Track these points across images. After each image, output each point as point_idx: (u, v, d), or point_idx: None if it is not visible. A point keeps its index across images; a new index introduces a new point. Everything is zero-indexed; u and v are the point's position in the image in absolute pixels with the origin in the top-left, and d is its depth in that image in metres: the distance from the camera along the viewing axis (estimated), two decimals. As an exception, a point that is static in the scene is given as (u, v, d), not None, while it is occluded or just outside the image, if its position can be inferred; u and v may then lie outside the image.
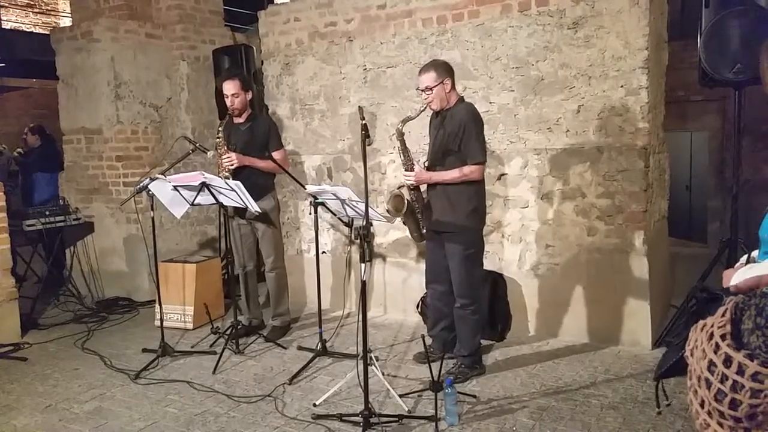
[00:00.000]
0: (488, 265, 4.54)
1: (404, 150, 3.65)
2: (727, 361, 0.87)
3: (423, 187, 3.72)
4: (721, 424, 0.89)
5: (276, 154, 4.42)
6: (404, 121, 3.61)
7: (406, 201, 3.64)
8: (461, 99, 3.65)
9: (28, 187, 6.76)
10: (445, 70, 3.56)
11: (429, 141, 3.80)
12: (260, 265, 4.88)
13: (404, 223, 3.84)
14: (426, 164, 3.68)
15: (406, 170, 3.66)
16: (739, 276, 2.11)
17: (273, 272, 4.63)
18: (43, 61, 6.60)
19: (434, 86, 3.51)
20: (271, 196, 4.54)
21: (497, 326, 4.33)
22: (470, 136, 3.48)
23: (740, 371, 0.85)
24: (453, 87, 3.59)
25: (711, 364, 0.89)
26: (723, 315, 0.92)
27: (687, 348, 0.95)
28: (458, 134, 3.49)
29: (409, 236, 4.05)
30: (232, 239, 4.54)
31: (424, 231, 3.76)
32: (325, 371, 3.94)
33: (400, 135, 3.63)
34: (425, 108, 3.62)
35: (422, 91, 3.56)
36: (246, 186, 3.99)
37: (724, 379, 0.86)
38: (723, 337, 0.89)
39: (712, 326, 0.92)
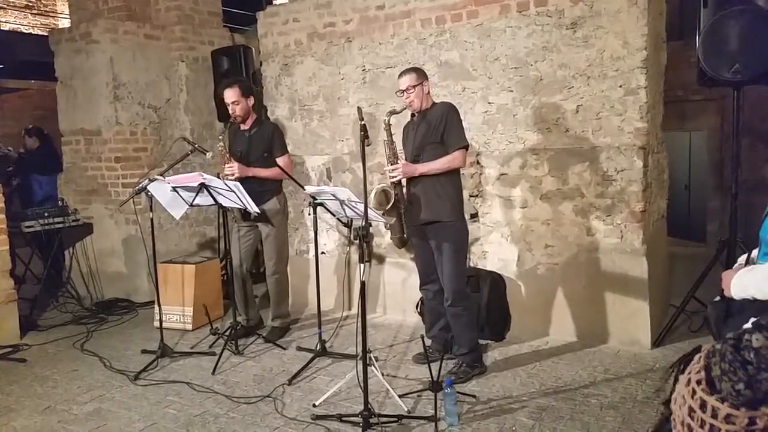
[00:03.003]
0: (488, 265, 4.55)
1: (390, 143, 3.68)
2: (703, 406, 0.91)
3: (404, 183, 3.73)
4: None
5: (280, 160, 4.42)
6: (390, 113, 3.68)
7: (393, 195, 3.64)
8: (434, 102, 3.76)
9: (26, 188, 6.73)
10: (423, 74, 3.70)
11: (404, 144, 3.84)
12: (259, 267, 4.87)
13: (386, 226, 3.81)
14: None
15: (390, 164, 3.66)
16: (738, 278, 2.11)
17: (274, 276, 4.62)
18: (42, 63, 6.59)
19: (415, 85, 3.61)
20: (276, 200, 4.53)
21: (497, 326, 4.33)
22: (451, 124, 3.57)
23: (714, 415, 0.89)
24: (429, 91, 3.72)
25: (690, 410, 0.93)
26: (698, 362, 0.97)
27: (672, 396, 1.00)
28: (440, 125, 3.57)
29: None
30: (232, 240, 4.54)
31: (405, 236, 3.76)
32: (325, 372, 3.94)
33: (388, 126, 3.66)
34: (406, 108, 3.71)
35: (404, 91, 3.64)
36: (250, 189, 3.99)
37: (702, 424, 0.90)
38: (698, 383, 0.94)
39: (689, 373, 0.96)
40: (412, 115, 3.78)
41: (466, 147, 3.61)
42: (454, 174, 3.65)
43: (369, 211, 3.23)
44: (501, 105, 4.40)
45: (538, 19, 4.19)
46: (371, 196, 3.66)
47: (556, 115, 4.21)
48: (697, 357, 0.97)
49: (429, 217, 3.64)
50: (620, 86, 3.97)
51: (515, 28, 4.28)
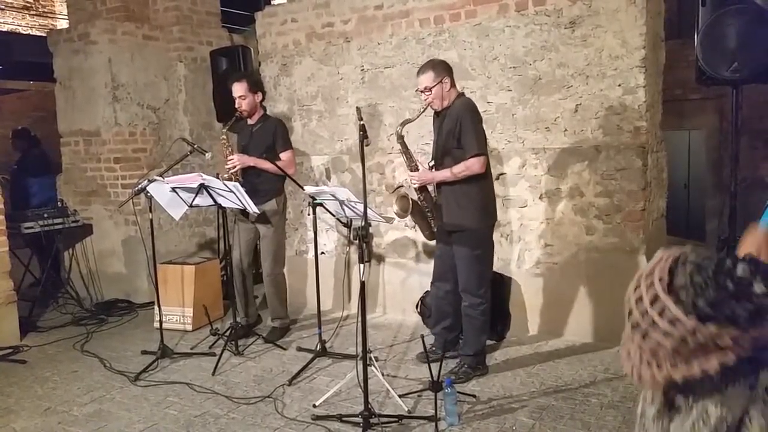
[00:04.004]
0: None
1: (406, 152, 3.67)
2: (654, 301, 0.97)
3: (431, 187, 3.73)
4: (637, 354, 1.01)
5: (284, 155, 4.44)
6: (403, 124, 3.64)
7: (411, 201, 3.65)
8: (460, 95, 3.65)
9: (18, 191, 6.69)
10: (443, 68, 3.56)
11: (433, 141, 3.81)
12: (258, 267, 4.86)
13: (415, 222, 3.85)
14: (431, 164, 3.69)
15: (410, 171, 3.67)
16: None
17: (269, 277, 4.60)
18: (41, 64, 6.57)
19: (433, 86, 3.51)
20: (276, 201, 4.53)
21: (497, 326, 4.33)
22: (467, 129, 3.46)
23: (661, 312, 0.97)
24: (452, 85, 3.59)
25: (639, 299, 0.99)
26: (664, 261, 1.03)
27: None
28: (455, 130, 3.49)
29: (410, 237, 4.04)
30: (233, 234, 4.53)
31: (434, 228, 3.76)
32: (325, 372, 3.94)
33: (400, 137, 3.64)
34: (425, 109, 3.63)
35: (421, 91, 3.56)
36: (249, 188, 3.99)
37: (644, 314, 0.98)
38: (660, 279, 0.99)
39: (653, 266, 1.02)
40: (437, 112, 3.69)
41: (482, 153, 3.48)
42: (479, 180, 3.54)
43: (369, 211, 3.23)
44: (500, 104, 4.40)
45: (536, 18, 4.19)
46: (393, 206, 3.70)
47: (554, 115, 4.21)
48: (662, 256, 1.03)
49: (451, 225, 3.63)
50: (619, 85, 3.97)
51: (514, 27, 4.28)
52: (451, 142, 3.52)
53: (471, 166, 3.46)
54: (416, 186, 3.65)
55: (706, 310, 0.94)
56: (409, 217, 3.76)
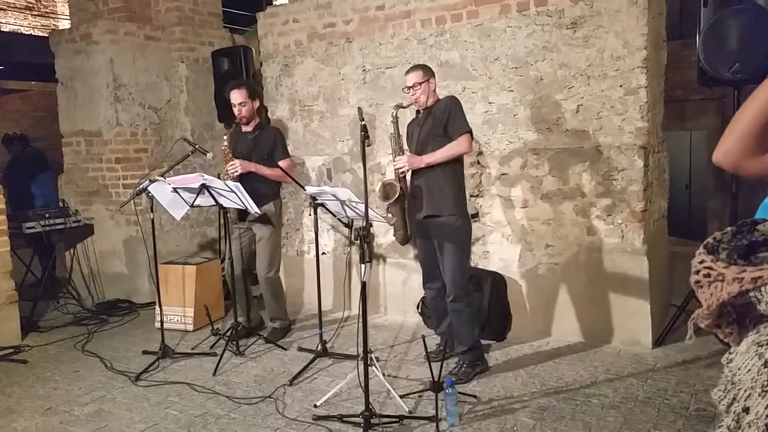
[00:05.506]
0: (488, 264, 4.55)
1: (397, 136, 3.71)
2: (701, 263, 1.25)
3: (408, 179, 3.76)
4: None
5: (282, 163, 4.44)
6: (397, 107, 3.72)
7: (399, 188, 3.65)
8: (439, 98, 3.78)
9: (17, 193, 6.66)
10: (429, 70, 3.73)
11: (409, 142, 3.86)
12: (253, 269, 4.85)
13: (390, 223, 3.83)
14: None
15: (396, 156, 3.69)
16: None
17: (265, 280, 4.58)
18: (42, 64, 6.59)
19: (422, 82, 3.64)
20: (273, 204, 4.53)
21: (498, 326, 4.33)
22: (454, 114, 3.60)
23: (707, 269, 1.23)
24: (435, 88, 3.75)
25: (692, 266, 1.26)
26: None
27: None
28: (443, 117, 3.61)
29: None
30: (230, 239, 4.54)
31: (409, 232, 3.77)
32: (326, 372, 3.94)
33: (395, 119, 3.71)
34: (412, 104, 3.73)
35: (410, 88, 3.68)
36: (249, 191, 4.00)
37: (697, 271, 1.25)
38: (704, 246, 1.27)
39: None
40: (417, 112, 3.80)
41: (470, 132, 3.61)
42: (457, 167, 3.66)
43: (370, 211, 3.23)
44: (501, 105, 4.40)
45: (538, 18, 4.19)
46: (376, 189, 3.70)
47: (556, 115, 4.21)
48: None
49: (431, 212, 3.65)
50: (620, 86, 3.97)
51: (515, 27, 4.28)
52: (439, 130, 3.61)
53: (461, 144, 3.56)
54: (403, 170, 3.66)
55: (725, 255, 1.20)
56: (387, 209, 3.76)
